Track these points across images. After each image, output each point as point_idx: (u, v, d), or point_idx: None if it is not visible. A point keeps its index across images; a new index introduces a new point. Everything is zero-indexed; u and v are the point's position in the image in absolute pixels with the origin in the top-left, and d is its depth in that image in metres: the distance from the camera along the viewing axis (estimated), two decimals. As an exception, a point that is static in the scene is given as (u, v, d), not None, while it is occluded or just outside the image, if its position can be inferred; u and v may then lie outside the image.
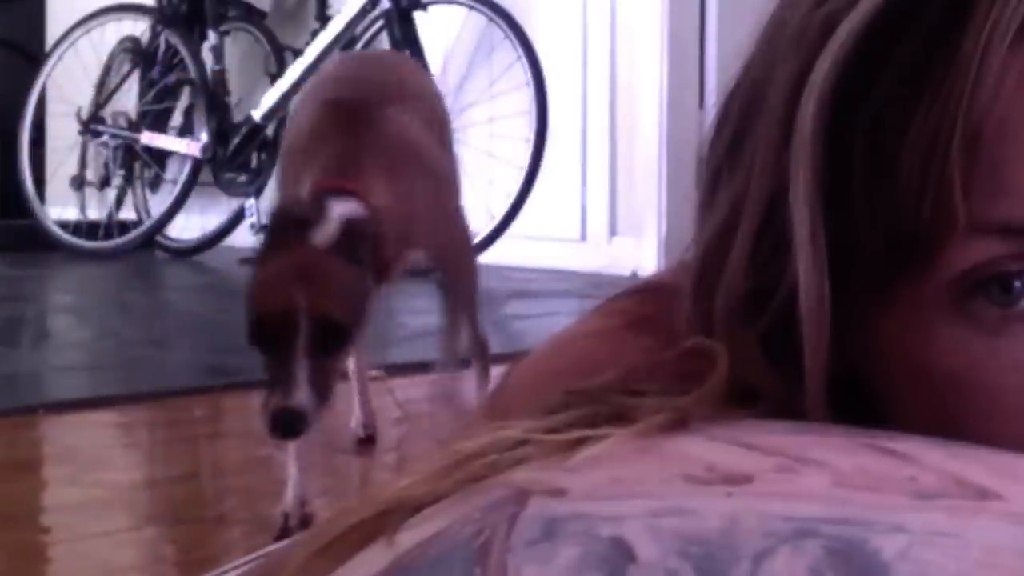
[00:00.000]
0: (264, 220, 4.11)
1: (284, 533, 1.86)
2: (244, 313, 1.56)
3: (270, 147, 4.54)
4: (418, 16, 4.18)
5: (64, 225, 4.85)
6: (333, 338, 1.56)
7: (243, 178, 4.64)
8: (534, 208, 4.04)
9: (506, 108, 4.19)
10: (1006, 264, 0.42)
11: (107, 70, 4.94)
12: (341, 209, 1.61)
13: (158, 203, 4.85)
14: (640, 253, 4.18)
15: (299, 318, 1.52)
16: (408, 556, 0.38)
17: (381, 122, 1.84)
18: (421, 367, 2.80)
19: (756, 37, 0.48)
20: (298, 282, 1.55)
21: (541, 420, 0.43)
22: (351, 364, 2.14)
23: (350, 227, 1.61)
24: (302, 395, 1.52)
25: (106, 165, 4.96)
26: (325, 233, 1.58)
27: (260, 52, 4.69)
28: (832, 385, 0.45)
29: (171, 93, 4.85)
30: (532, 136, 4.00)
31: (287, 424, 1.54)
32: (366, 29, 4.34)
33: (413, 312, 3.75)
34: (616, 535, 0.35)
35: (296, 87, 4.31)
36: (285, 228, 1.60)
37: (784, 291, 0.45)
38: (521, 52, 4.05)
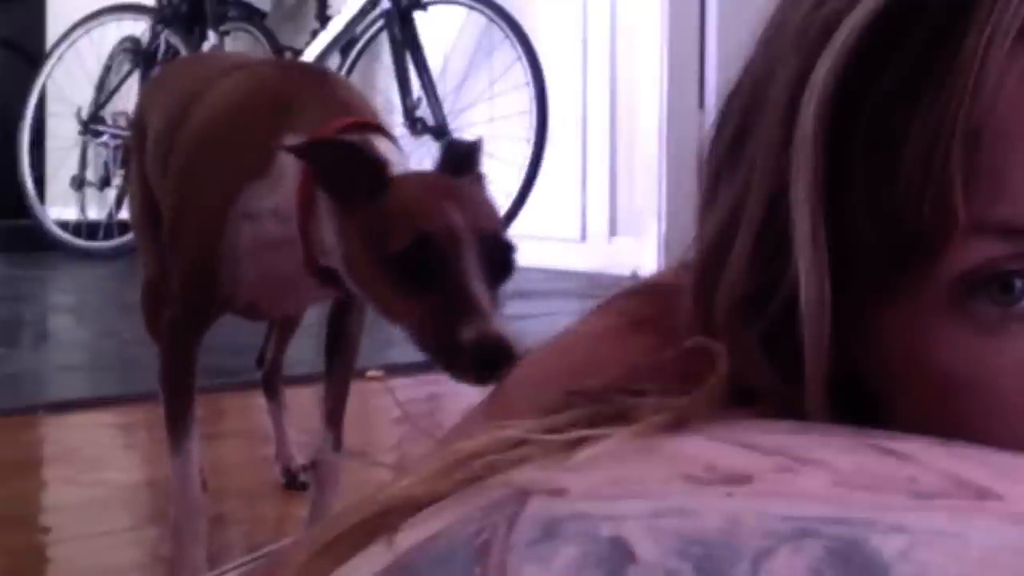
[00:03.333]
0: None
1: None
2: (386, 235, 1.28)
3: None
4: (418, 16, 4.18)
5: (64, 225, 4.85)
6: (503, 264, 1.29)
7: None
8: (534, 208, 4.04)
9: (506, 108, 4.19)
10: (1006, 264, 0.42)
11: (107, 70, 4.94)
12: (384, 146, 1.39)
13: (158, 203, 4.85)
14: (640, 253, 4.18)
15: (470, 238, 1.26)
16: (408, 556, 0.38)
17: (338, 79, 1.62)
18: (421, 367, 2.81)
19: (757, 37, 0.48)
20: (457, 202, 1.29)
21: (541, 420, 0.43)
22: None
23: (455, 149, 1.42)
24: (502, 323, 1.22)
25: (106, 165, 4.96)
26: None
27: (260, 52, 4.69)
28: (832, 385, 0.45)
29: (171, 93, 4.85)
30: (532, 136, 4.00)
31: (504, 354, 1.18)
32: (366, 29, 4.35)
33: (413, 312, 3.75)
34: (616, 535, 0.35)
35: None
36: (365, 162, 1.32)
37: (785, 291, 0.45)
38: (521, 52, 4.05)
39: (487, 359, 1.19)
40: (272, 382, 2.07)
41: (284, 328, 2.03)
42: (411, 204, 1.31)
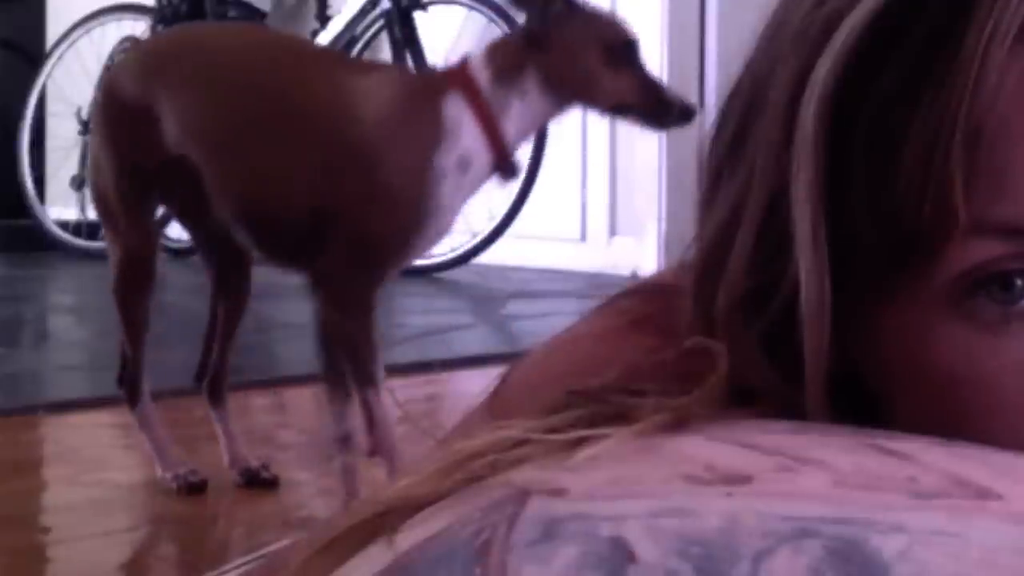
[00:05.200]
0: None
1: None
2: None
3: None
4: (418, 16, 4.18)
5: (64, 225, 4.85)
6: None
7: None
8: (534, 208, 4.04)
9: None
10: (1007, 263, 0.42)
11: (107, 70, 4.93)
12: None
13: (158, 203, 4.85)
14: (640, 253, 4.18)
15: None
16: (408, 556, 0.38)
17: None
18: (421, 367, 2.81)
19: (757, 36, 0.48)
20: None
21: (541, 420, 0.43)
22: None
23: None
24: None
25: (106, 165, 4.95)
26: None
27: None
28: (832, 385, 0.45)
29: (171, 93, 4.84)
30: (532, 136, 4.00)
31: (693, 109, 1.97)
32: (366, 29, 4.34)
33: (413, 312, 3.75)
34: (616, 535, 0.35)
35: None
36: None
37: (785, 290, 0.45)
38: (521, 52, 4.04)
39: (686, 110, 1.95)
40: (219, 390, 2.09)
41: (226, 335, 2.06)
42: (607, 16, 2.02)
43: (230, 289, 2.05)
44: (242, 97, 1.88)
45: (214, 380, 2.08)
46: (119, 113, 1.96)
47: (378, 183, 1.80)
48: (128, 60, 2.15)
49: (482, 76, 1.83)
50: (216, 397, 2.08)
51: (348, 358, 1.84)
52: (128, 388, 2.01)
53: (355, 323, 1.82)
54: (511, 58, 1.85)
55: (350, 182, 1.80)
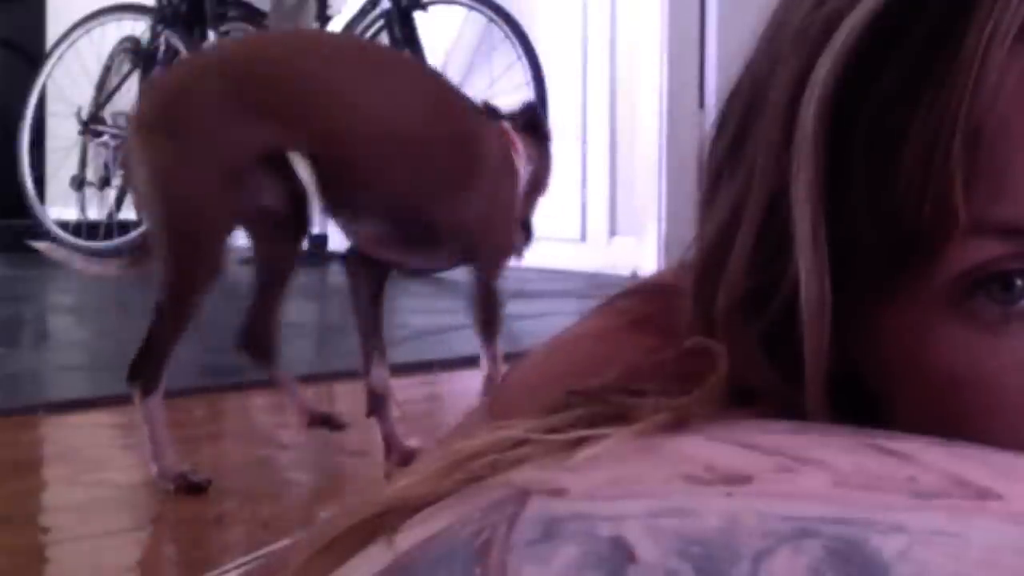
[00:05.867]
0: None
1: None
2: None
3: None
4: (418, 16, 4.18)
5: (64, 225, 4.85)
6: None
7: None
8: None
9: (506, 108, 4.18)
10: (1007, 263, 0.42)
11: (107, 70, 4.94)
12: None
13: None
14: (640, 253, 4.18)
15: None
16: (408, 556, 0.38)
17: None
18: (421, 367, 2.81)
19: (757, 37, 0.48)
20: None
21: (541, 420, 0.43)
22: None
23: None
24: None
25: (106, 165, 4.96)
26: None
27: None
28: (832, 385, 0.45)
29: (171, 93, 4.84)
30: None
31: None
32: (366, 29, 4.34)
33: (413, 312, 3.75)
34: (616, 535, 0.35)
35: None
36: None
37: (785, 291, 0.45)
38: (521, 52, 4.05)
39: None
40: (267, 347, 2.10)
41: (275, 295, 2.10)
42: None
43: (277, 256, 2.11)
44: (397, 115, 2.12)
45: (261, 339, 2.08)
46: (227, 104, 1.96)
47: (496, 209, 2.28)
48: (239, 53, 2.24)
49: (517, 141, 2.30)
50: (265, 355, 2.10)
51: (486, 318, 2.23)
52: (148, 376, 2.00)
53: (495, 299, 2.28)
54: (529, 132, 2.33)
55: (478, 207, 2.21)
